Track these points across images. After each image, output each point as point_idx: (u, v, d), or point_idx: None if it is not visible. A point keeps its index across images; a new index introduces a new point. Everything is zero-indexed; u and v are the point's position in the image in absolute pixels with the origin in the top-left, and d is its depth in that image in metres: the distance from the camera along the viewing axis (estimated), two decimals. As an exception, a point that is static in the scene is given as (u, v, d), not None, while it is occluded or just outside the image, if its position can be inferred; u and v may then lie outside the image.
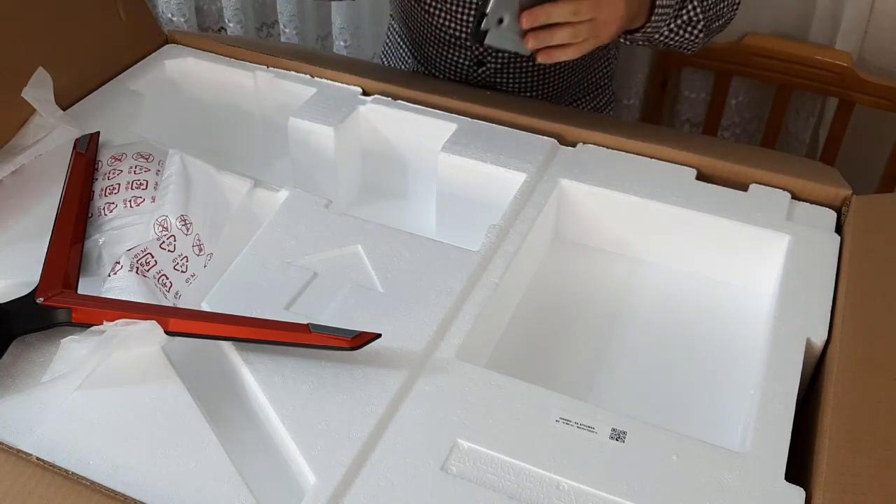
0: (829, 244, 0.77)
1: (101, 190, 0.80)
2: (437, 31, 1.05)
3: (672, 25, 0.91)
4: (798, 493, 0.57)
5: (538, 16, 0.78)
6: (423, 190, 0.95)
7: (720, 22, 0.98)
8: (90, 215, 0.78)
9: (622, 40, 0.91)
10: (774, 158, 0.92)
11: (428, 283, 0.72)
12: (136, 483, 0.57)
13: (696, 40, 0.94)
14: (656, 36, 0.91)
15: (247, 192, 0.82)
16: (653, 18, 0.87)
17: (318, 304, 0.70)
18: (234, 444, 0.61)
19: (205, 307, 0.70)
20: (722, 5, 0.96)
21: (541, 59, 0.82)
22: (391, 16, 1.20)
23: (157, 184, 0.80)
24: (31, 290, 0.69)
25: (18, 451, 0.58)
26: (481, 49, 1.05)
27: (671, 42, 0.93)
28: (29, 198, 0.81)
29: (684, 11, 0.91)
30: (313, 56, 1.02)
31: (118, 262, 0.71)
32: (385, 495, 0.57)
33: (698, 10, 0.91)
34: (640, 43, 0.93)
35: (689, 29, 0.93)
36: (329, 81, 0.97)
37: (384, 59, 1.24)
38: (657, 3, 0.87)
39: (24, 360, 0.65)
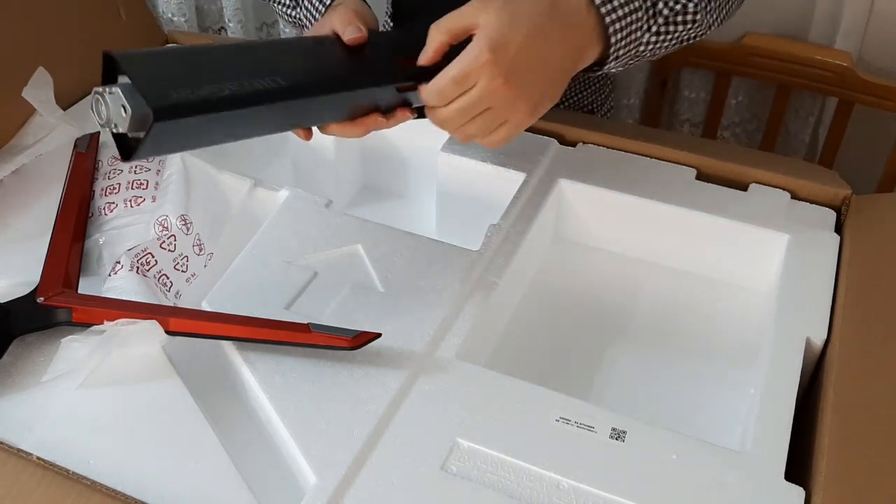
0: (828, 244, 0.77)
1: (102, 189, 0.80)
2: None
3: (654, 29, 0.72)
4: (798, 493, 0.57)
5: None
6: (423, 190, 0.95)
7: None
8: (90, 215, 0.78)
9: (596, 73, 0.74)
10: (773, 161, 0.92)
11: (428, 283, 0.72)
12: (136, 483, 0.57)
13: (699, 27, 0.74)
14: (640, 49, 0.73)
15: (247, 192, 0.82)
16: (612, 40, 0.68)
17: (318, 304, 0.70)
18: (234, 444, 0.60)
19: (205, 307, 0.70)
20: None
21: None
22: (387, 13, 1.20)
23: (157, 183, 0.80)
24: (31, 289, 0.69)
25: (19, 450, 0.58)
26: None
27: (667, 44, 0.74)
28: (29, 197, 0.81)
29: (660, 4, 0.72)
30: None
31: (118, 262, 0.71)
32: (385, 495, 0.57)
33: None
34: (630, 63, 0.74)
35: (680, 19, 0.72)
36: (329, 81, 0.96)
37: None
38: (607, 20, 0.67)
39: (25, 359, 0.65)
